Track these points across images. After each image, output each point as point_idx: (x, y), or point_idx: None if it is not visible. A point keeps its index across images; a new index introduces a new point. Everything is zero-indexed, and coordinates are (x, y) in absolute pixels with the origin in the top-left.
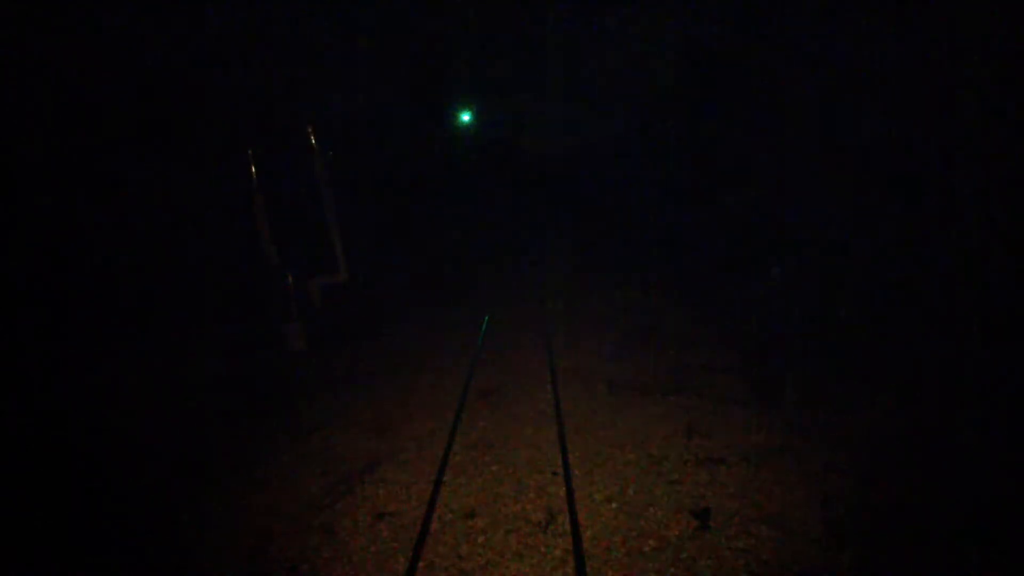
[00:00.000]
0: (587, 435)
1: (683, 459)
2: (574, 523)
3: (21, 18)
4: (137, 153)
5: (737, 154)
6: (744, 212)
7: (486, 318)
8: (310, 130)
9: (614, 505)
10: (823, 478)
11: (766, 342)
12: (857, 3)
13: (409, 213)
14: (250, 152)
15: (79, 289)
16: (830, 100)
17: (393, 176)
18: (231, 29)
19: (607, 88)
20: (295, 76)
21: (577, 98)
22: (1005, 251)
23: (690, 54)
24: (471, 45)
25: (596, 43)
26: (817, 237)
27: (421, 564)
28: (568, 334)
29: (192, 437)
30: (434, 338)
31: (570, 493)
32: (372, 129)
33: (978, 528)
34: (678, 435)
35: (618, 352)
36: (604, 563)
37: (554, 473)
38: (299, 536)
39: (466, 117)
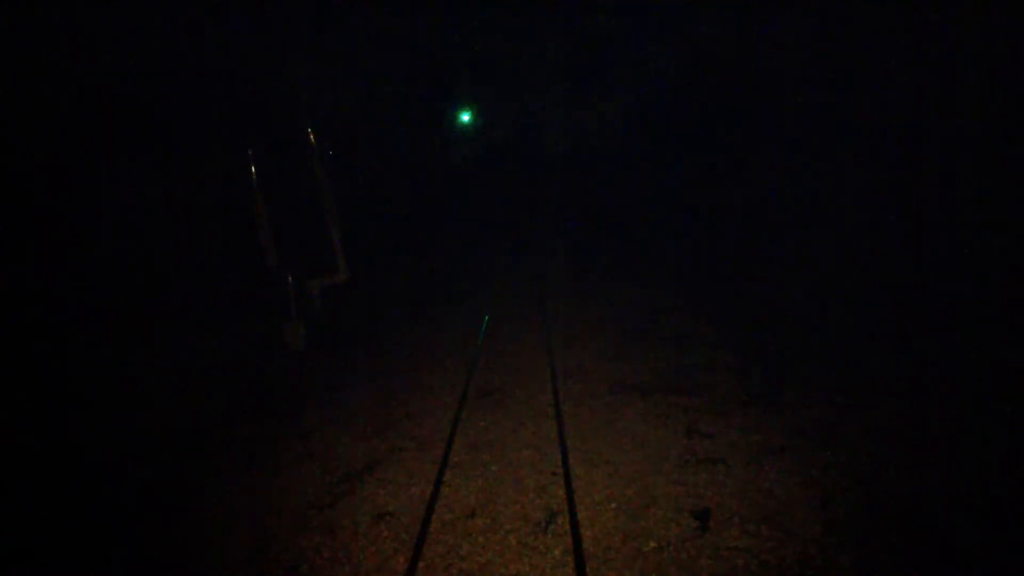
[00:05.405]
0: (587, 435)
1: (683, 459)
2: (574, 523)
3: (24, 17)
4: (137, 153)
5: (736, 153)
6: (744, 209)
7: (486, 318)
8: (310, 130)
9: (614, 505)
10: (823, 478)
11: (766, 342)
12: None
13: (409, 212)
14: (250, 152)
15: (78, 290)
16: (830, 98)
17: (393, 175)
18: (231, 28)
19: (608, 86)
20: (295, 76)
21: (578, 97)
22: (1005, 249)
23: (691, 52)
24: (472, 46)
25: (597, 41)
26: (816, 236)
27: (421, 564)
28: (568, 334)
29: (192, 437)
30: (434, 338)
31: (570, 493)
32: (372, 129)
33: (978, 528)
34: (678, 435)
35: (618, 352)
36: (604, 563)
37: (554, 473)
38: (299, 536)
39: (466, 117)
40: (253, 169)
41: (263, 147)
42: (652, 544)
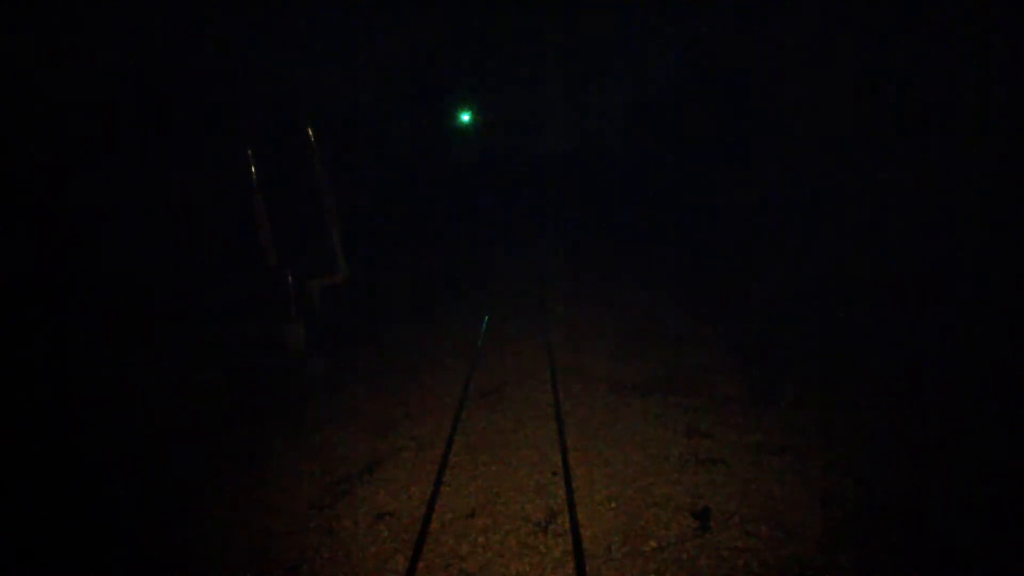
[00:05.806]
0: (587, 435)
1: (683, 459)
2: (574, 523)
3: (22, 14)
4: (136, 153)
5: (736, 152)
6: (743, 209)
7: (486, 318)
8: (310, 130)
9: (614, 505)
10: (823, 478)
11: (766, 342)
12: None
13: (409, 212)
14: (250, 152)
15: (78, 289)
16: (830, 98)
17: (393, 175)
18: (231, 28)
19: (609, 86)
20: (295, 75)
21: (579, 96)
22: (1005, 249)
23: (691, 51)
24: (471, 46)
25: (598, 41)
26: (816, 236)
27: (421, 564)
28: (568, 334)
29: (192, 438)
30: (434, 338)
31: (570, 493)
32: (372, 128)
33: (978, 528)
34: (678, 435)
35: (618, 352)
36: (604, 563)
37: (554, 473)
38: (299, 536)
39: (466, 117)
40: (253, 169)
41: (263, 147)
42: (652, 544)
